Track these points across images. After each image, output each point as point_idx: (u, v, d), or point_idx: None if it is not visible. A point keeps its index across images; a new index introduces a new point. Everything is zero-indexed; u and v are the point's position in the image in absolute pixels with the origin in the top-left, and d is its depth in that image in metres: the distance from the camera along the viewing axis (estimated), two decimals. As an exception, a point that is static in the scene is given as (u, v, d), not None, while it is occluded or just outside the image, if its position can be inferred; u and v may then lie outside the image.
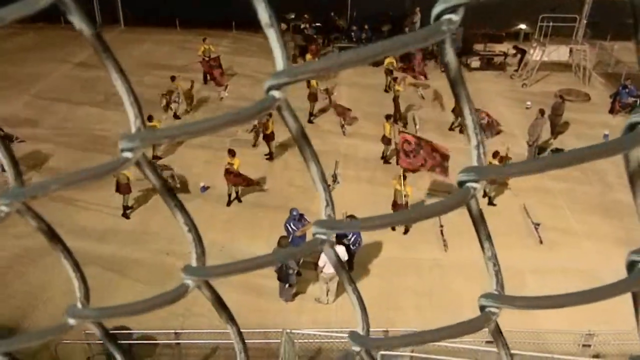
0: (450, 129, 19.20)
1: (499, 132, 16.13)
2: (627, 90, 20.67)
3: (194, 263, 0.63)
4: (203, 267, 0.63)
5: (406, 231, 14.16)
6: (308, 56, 22.36)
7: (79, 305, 0.60)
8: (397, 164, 14.66)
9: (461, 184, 0.52)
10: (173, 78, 19.24)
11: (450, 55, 0.47)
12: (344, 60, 0.48)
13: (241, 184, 14.64)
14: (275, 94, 0.52)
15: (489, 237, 0.56)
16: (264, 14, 0.51)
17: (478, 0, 0.44)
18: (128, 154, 0.55)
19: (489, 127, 15.61)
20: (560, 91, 22.15)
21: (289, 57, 0.54)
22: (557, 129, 18.95)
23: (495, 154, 14.91)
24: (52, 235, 0.65)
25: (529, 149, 17.26)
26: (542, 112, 16.77)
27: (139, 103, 0.59)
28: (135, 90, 0.59)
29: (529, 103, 21.00)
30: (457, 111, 18.53)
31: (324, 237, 0.58)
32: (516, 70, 24.19)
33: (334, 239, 0.61)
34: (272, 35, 0.51)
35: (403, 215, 0.53)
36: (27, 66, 23.07)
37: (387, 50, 0.46)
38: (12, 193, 0.58)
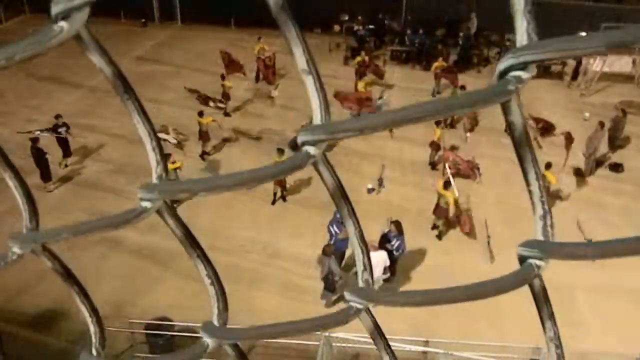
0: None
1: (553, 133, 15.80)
2: (694, 103, 19.64)
3: (215, 320, 0.57)
4: (224, 328, 0.57)
5: (434, 227, 13.97)
6: (358, 58, 22.22)
7: (94, 352, 0.56)
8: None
9: (522, 259, 0.45)
10: (223, 77, 19.49)
11: (516, 115, 0.40)
12: (390, 120, 0.41)
13: None
14: (311, 150, 0.46)
15: (552, 316, 0.49)
16: (301, 59, 0.44)
17: (550, 58, 0.36)
18: (147, 204, 0.50)
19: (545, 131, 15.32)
20: (621, 103, 21.21)
21: (327, 109, 0.48)
22: (617, 142, 18.19)
23: (548, 165, 14.41)
24: (68, 276, 0.61)
25: (586, 161, 16.62)
26: (602, 124, 16.12)
27: (161, 148, 0.54)
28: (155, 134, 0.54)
29: (587, 114, 20.22)
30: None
31: (359, 306, 0.52)
32: (573, 79, 23.33)
33: (370, 307, 0.55)
34: (310, 83, 0.45)
35: (453, 292, 0.46)
36: (85, 58, 23.83)
37: (441, 112, 0.39)
38: (25, 237, 0.54)
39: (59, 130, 15.74)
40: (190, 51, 25.12)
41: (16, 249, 0.56)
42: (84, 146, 17.26)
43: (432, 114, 0.40)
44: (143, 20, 28.74)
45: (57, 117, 16.01)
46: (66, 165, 16.27)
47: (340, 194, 0.51)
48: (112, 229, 0.54)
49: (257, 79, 22.04)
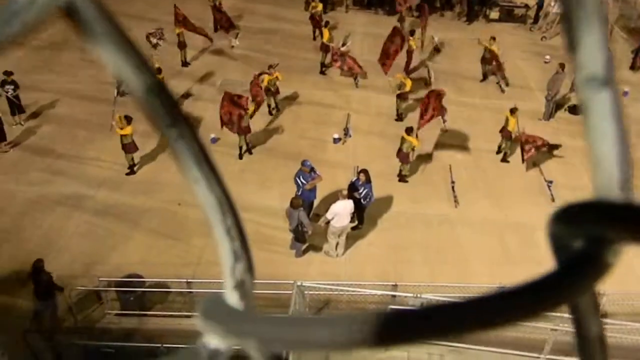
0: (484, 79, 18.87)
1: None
2: (650, 45, 20.04)
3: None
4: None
5: (402, 179, 14.12)
6: (313, 4, 21.49)
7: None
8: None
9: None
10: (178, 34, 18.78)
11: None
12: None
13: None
14: (212, 342, 0.41)
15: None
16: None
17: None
18: (218, 344, 0.41)
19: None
20: (580, 45, 21.50)
21: (250, 266, 0.45)
22: (577, 84, 18.51)
23: (513, 111, 14.64)
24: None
25: (547, 104, 16.92)
26: (562, 66, 16.31)
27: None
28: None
29: (547, 57, 20.45)
30: (488, 60, 18.25)
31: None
32: (534, 22, 23.44)
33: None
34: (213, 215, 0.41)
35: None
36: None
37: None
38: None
39: (6, 87, 15.06)
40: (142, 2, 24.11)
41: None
42: (37, 103, 16.60)
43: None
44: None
45: (8, 73, 15.27)
46: (21, 124, 15.66)
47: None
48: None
49: (215, 28, 21.42)
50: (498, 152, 15.22)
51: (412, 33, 18.38)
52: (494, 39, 18.31)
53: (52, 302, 9.91)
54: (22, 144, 15.09)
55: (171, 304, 10.87)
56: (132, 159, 14.12)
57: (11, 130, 15.31)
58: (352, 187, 11.96)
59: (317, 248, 12.21)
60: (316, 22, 20.60)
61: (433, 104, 14.14)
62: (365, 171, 12.05)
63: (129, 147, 13.81)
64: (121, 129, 13.54)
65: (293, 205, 11.06)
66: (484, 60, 18.62)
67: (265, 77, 16.01)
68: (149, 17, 22.06)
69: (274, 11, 23.71)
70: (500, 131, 14.97)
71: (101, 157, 14.59)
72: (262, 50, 17.57)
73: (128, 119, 13.54)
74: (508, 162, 15.13)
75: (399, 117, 16.73)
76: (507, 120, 14.73)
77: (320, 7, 21.25)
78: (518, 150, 15.53)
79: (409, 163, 14.06)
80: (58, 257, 11.35)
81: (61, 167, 14.12)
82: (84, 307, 10.58)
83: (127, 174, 14.11)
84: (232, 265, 0.47)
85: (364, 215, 12.60)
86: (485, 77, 18.94)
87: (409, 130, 13.51)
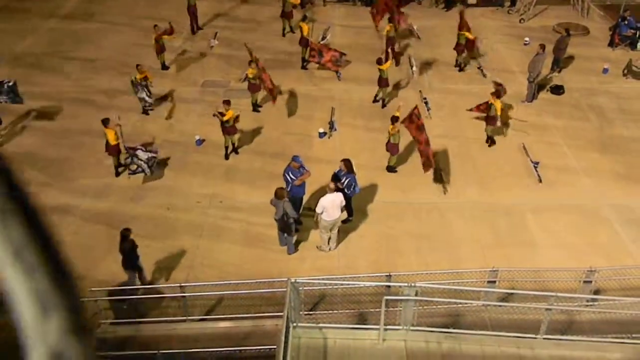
0: (461, 69, 18.79)
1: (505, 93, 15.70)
2: (626, 22, 20.15)
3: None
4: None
5: (390, 169, 14.13)
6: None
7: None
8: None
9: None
10: (155, 26, 18.54)
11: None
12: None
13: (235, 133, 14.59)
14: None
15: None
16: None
17: None
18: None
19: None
20: (558, 25, 21.61)
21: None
22: (561, 63, 18.60)
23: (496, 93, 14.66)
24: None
25: (529, 86, 16.97)
26: (542, 47, 16.37)
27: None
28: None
29: (527, 39, 20.53)
30: (460, 49, 18.22)
31: None
32: (511, 6, 23.51)
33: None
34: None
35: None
36: (13, 22, 22.36)
37: None
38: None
39: None
40: (117, 6, 23.85)
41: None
42: (15, 113, 16.37)
43: None
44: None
45: None
46: None
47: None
48: None
49: (192, 30, 21.28)
50: (487, 140, 15.20)
51: (389, 20, 18.32)
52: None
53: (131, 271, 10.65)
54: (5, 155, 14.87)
55: (165, 309, 10.79)
56: (231, 141, 14.70)
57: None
58: (335, 178, 11.92)
59: (309, 244, 12.18)
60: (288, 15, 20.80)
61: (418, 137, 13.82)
62: (346, 160, 12.00)
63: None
64: (223, 115, 13.93)
65: (277, 195, 11.04)
66: (458, 48, 18.52)
67: (249, 71, 15.98)
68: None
69: (251, 10, 23.58)
70: (485, 118, 14.98)
71: (86, 166, 14.43)
72: (242, 49, 17.41)
73: (228, 103, 14.05)
74: (494, 143, 15.15)
75: (384, 104, 16.77)
76: (489, 105, 14.68)
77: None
78: (503, 133, 15.61)
79: (397, 154, 14.05)
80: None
81: (46, 177, 13.94)
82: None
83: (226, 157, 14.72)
84: (37, 320, 0.32)
85: (352, 207, 12.57)
86: (460, 66, 18.85)
87: (394, 120, 13.49)
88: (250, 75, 16.00)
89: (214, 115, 14.22)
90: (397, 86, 17.81)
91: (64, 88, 17.90)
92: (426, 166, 13.14)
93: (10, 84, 15.14)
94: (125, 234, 10.45)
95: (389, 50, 18.47)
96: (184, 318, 10.37)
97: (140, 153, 13.51)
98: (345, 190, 11.82)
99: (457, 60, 18.90)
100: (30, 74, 18.48)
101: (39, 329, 0.29)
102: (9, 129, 15.86)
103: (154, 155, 13.67)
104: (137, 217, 12.77)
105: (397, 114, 13.55)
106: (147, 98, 16.00)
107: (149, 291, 10.78)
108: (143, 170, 13.57)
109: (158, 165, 13.86)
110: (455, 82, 18.30)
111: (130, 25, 21.88)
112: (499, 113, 14.71)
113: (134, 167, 13.65)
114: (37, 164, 14.36)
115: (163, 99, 17.24)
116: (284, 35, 21.07)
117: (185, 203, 13.24)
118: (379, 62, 16.18)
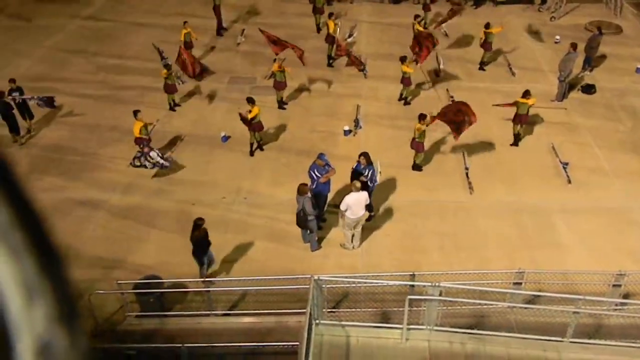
0: (481, 68, 18.54)
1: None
2: (662, 19, 19.63)
3: None
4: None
5: (416, 168, 14.01)
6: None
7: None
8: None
9: None
10: (185, 22, 18.77)
11: None
12: None
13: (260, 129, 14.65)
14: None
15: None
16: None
17: None
18: None
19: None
20: (590, 24, 21.16)
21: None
22: (592, 62, 18.20)
23: (527, 93, 14.35)
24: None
25: (560, 85, 16.65)
26: (574, 46, 16.04)
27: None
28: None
29: (558, 37, 20.16)
30: (487, 46, 17.96)
31: None
32: (542, 3, 23.10)
33: None
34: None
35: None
36: (38, 19, 22.80)
37: None
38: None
39: (13, 95, 15.19)
40: (144, 4, 24.14)
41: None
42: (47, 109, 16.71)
43: None
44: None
45: (13, 80, 15.42)
46: (29, 131, 15.72)
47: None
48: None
49: (217, 31, 21.34)
50: (514, 142, 14.92)
51: (416, 17, 18.16)
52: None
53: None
54: (35, 150, 15.19)
55: (190, 304, 10.91)
56: (256, 136, 14.79)
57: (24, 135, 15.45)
58: (357, 173, 11.89)
59: (333, 241, 12.17)
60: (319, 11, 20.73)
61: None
62: (365, 153, 11.98)
63: (255, 126, 14.40)
64: (245, 120, 14.10)
65: (299, 191, 11.13)
66: (485, 46, 18.25)
67: (274, 67, 16.04)
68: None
69: (278, 5, 23.64)
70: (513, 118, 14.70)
71: (113, 161, 14.66)
72: (268, 47, 17.46)
73: (251, 101, 14.25)
74: (517, 146, 14.91)
75: (406, 102, 16.67)
76: (518, 104, 14.43)
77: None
78: (533, 133, 15.35)
79: (423, 151, 13.94)
80: (75, 262, 11.41)
81: (74, 172, 14.20)
82: (104, 311, 10.64)
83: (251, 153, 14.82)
84: (23, 307, 0.29)
85: (372, 201, 12.48)
86: (483, 64, 18.56)
87: (421, 117, 13.38)
88: (276, 72, 16.05)
89: (240, 117, 14.22)
90: (422, 85, 17.67)
91: (92, 85, 18.19)
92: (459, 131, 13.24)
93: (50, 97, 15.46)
94: (198, 223, 10.53)
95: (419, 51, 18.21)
96: (208, 312, 10.46)
97: (153, 154, 13.67)
98: (369, 183, 11.82)
99: (482, 59, 18.66)
100: (59, 69, 18.84)
101: (25, 317, 0.27)
102: (40, 123, 16.18)
103: (166, 165, 13.79)
104: (163, 212, 12.92)
105: (426, 114, 13.46)
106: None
107: (174, 285, 10.90)
108: (145, 166, 13.76)
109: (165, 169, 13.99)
110: (482, 80, 18.07)
111: (157, 25, 22.10)
112: (526, 112, 14.44)
113: (137, 162, 13.79)
114: (67, 158, 14.64)
115: (189, 95, 17.40)
116: (318, 31, 20.97)
117: (210, 199, 13.35)
118: (403, 60, 16.09)
